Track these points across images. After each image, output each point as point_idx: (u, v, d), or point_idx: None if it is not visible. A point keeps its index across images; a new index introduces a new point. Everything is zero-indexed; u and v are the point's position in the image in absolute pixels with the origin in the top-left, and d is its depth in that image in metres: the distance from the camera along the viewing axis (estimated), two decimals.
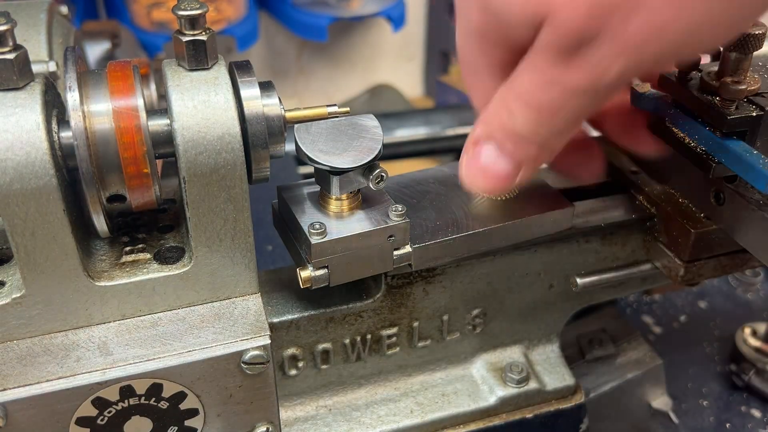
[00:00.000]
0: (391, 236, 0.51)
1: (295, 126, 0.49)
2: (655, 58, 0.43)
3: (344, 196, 0.51)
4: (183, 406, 0.49)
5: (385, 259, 0.52)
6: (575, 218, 0.59)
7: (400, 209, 0.51)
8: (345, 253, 0.50)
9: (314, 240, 0.48)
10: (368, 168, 0.50)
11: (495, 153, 0.48)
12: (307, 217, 0.51)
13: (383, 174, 0.50)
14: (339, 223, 0.50)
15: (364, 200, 0.52)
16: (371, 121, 0.51)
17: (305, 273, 0.50)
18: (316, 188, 0.52)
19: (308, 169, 1.18)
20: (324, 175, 0.50)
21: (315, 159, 0.48)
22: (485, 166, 0.48)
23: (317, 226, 0.49)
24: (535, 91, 0.45)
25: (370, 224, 0.50)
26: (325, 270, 0.50)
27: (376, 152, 0.49)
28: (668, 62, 0.45)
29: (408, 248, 0.52)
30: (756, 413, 0.81)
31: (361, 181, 0.50)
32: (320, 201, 0.52)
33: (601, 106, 0.47)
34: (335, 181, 0.50)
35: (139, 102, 0.44)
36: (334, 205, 0.51)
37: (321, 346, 0.57)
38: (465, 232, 0.53)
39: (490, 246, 0.55)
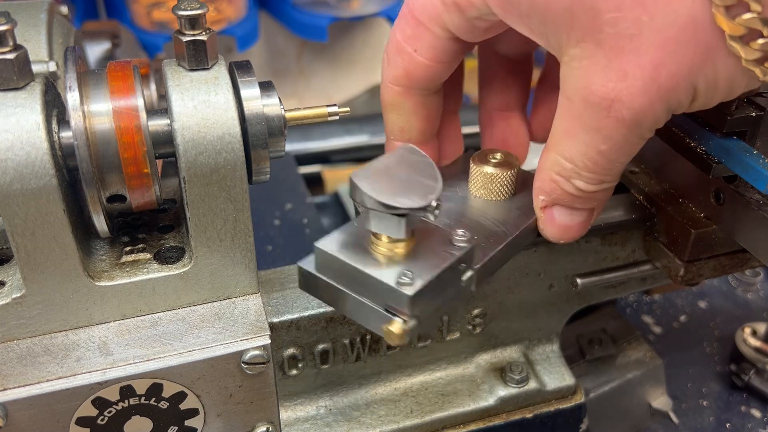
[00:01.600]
0: (463, 263, 0.47)
1: (352, 173, 0.44)
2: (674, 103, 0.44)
3: (402, 238, 0.46)
4: (183, 406, 0.49)
5: (456, 287, 0.47)
6: None
7: (461, 233, 0.47)
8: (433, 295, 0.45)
9: (408, 291, 0.43)
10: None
11: (567, 212, 0.52)
12: (377, 266, 0.45)
13: (439, 202, 0.44)
14: (413, 265, 0.45)
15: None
16: (418, 156, 0.47)
17: (397, 328, 0.44)
18: (351, 234, 0.48)
19: (308, 170, 1.18)
20: (384, 219, 0.45)
21: (389, 204, 0.43)
22: (563, 224, 0.52)
23: (408, 275, 0.44)
24: (589, 148, 0.46)
25: (444, 258, 0.46)
26: (417, 320, 0.44)
27: (439, 182, 0.45)
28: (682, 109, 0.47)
29: (470, 272, 0.48)
30: (756, 413, 0.81)
31: (422, 215, 0.44)
32: (372, 248, 0.46)
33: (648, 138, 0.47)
34: (403, 223, 0.44)
35: (139, 102, 0.44)
36: (399, 248, 0.46)
37: (321, 346, 0.57)
38: (505, 240, 0.51)
39: (519, 249, 0.55)
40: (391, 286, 0.44)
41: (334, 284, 0.47)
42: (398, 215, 0.44)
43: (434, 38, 0.50)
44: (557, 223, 0.52)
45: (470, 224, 0.54)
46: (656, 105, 0.43)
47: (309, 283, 0.48)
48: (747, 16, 0.38)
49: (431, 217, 0.44)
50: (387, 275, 0.44)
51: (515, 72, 0.61)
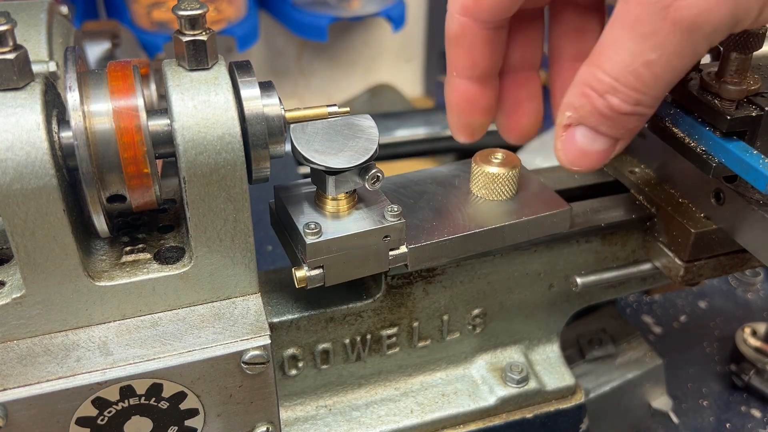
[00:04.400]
0: (386, 236, 0.51)
1: (291, 126, 0.49)
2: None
3: (340, 197, 0.51)
4: (183, 406, 0.49)
5: (380, 260, 0.52)
6: (575, 218, 0.59)
7: (395, 209, 0.51)
8: (340, 253, 0.50)
9: (309, 240, 0.49)
10: (364, 168, 0.50)
11: (591, 135, 0.48)
12: (304, 217, 0.51)
13: (379, 174, 0.50)
14: (335, 223, 0.51)
15: (360, 200, 0.52)
16: (367, 121, 0.51)
17: (300, 273, 0.50)
18: (313, 188, 0.52)
19: (308, 169, 1.18)
20: (320, 176, 0.50)
21: (310, 159, 0.48)
22: (583, 148, 0.48)
23: (312, 226, 0.49)
24: (635, 58, 0.43)
25: (366, 224, 0.50)
26: (321, 270, 0.50)
27: (371, 152, 0.49)
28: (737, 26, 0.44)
29: (404, 248, 0.52)
30: (756, 413, 0.81)
31: (357, 181, 0.50)
32: (316, 201, 0.52)
33: (700, 57, 0.45)
34: (331, 181, 0.50)
35: (139, 102, 0.44)
36: (330, 206, 0.51)
37: (321, 346, 0.57)
38: (462, 233, 0.53)
39: (486, 247, 0.55)
40: (299, 231, 0.49)
41: (281, 224, 0.53)
42: (326, 173, 0.49)
43: None
44: (577, 146, 0.48)
45: (439, 210, 0.55)
46: (722, 4, 0.40)
47: (273, 221, 0.55)
48: None
49: (364, 184, 0.49)
50: (302, 223, 0.49)
51: (588, 19, 0.58)
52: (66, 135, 0.43)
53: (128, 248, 0.50)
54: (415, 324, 0.59)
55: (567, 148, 0.49)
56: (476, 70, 0.55)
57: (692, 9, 0.40)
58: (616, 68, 0.44)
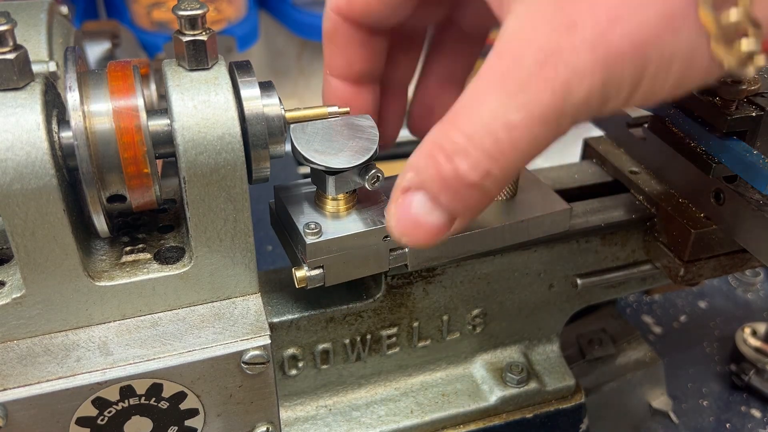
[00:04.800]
0: (386, 237, 0.51)
1: (291, 126, 0.49)
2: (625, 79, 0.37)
3: (340, 197, 0.51)
4: (183, 406, 0.49)
5: (380, 260, 0.52)
6: (575, 218, 0.59)
7: None
8: (340, 253, 0.50)
9: (309, 240, 0.49)
10: (364, 168, 0.50)
11: (429, 205, 0.41)
12: (304, 217, 0.51)
13: (379, 174, 0.50)
14: (335, 223, 0.51)
15: (360, 201, 0.52)
16: (367, 121, 0.51)
17: (300, 273, 0.50)
18: (313, 188, 0.52)
19: (308, 170, 1.18)
20: (320, 175, 0.50)
21: (310, 159, 0.48)
22: (417, 218, 0.41)
23: (312, 226, 0.49)
24: (496, 117, 0.38)
25: (366, 224, 0.50)
26: (321, 270, 0.50)
27: (372, 152, 0.49)
28: (643, 103, 0.40)
29: (404, 248, 0.52)
30: (756, 413, 0.81)
31: (357, 181, 0.50)
32: (316, 201, 0.52)
33: (561, 134, 0.39)
34: (331, 181, 0.50)
35: (139, 102, 0.44)
36: (330, 205, 0.51)
37: (321, 346, 0.57)
38: (461, 232, 0.53)
39: (485, 247, 0.55)
40: (299, 231, 0.49)
41: (281, 224, 0.53)
42: (326, 173, 0.49)
43: None
44: (411, 214, 0.41)
45: None
46: (596, 72, 0.35)
47: (273, 221, 0.55)
48: (735, 12, 0.34)
49: (364, 184, 0.49)
50: (302, 222, 0.50)
51: (466, 46, 0.57)
52: (66, 135, 0.43)
53: (128, 248, 0.50)
54: (415, 324, 0.59)
55: (400, 214, 0.42)
56: (351, 72, 0.53)
57: (567, 69, 0.36)
58: (473, 127, 0.38)
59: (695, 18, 0.34)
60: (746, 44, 0.35)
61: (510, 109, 0.37)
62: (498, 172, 0.39)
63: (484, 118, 0.38)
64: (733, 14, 0.34)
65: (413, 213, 0.41)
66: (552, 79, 0.36)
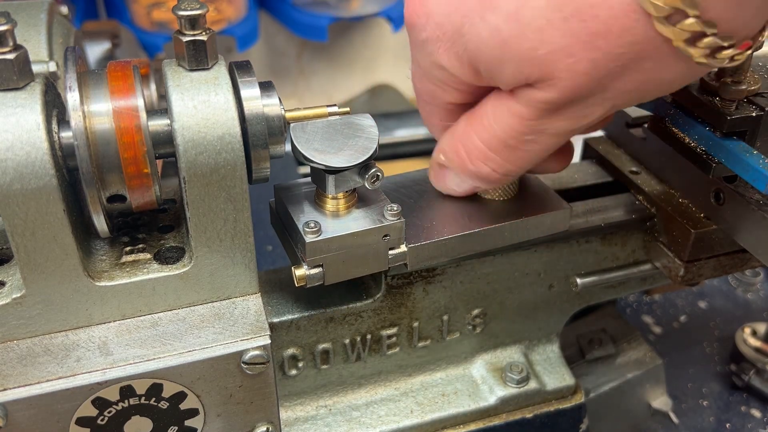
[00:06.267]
0: (386, 235, 0.51)
1: (291, 125, 0.49)
2: (629, 103, 0.46)
3: (340, 195, 0.51)
4: (183, 406, 0.49)
5: (380, 259, 0.52)
6: (575, 218, 0.59)
7: (395, 209, 0.51)
8: (340, 251, 0.50)
9: (309, 238, 0.49)
10: (364, 167, 0.50)
11: (458, 180, 0.54)
12: (303, 215, 0.51)
13: (379, 173, 0.50)
14: (334, 222, 0.51)
15: (360, 200, 0.52)
16: (367, 121, 0.51)
17: (300, 271, 0.50)
18: (313, 187, 0.52)
19: (308, 169, 1.18)
20: (320, 174, 0.50)
21: (310, 158, 0.48)
22: (450, 187, 0.55)
23: (312, 225, 0.49)
24: (511, 134, 0.47)
25: (365, 223, 0.50)
26: (320, 269, 0.50)
27: (371, 151, 0.50)
28: (635, 103, 0.49)
29: (403, 248, 0.52)
30: (756, 413, 0.81)
31: (357, 180, 0.50)
32: (316, 200, 0.52)
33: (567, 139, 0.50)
34: (331, 180, 0.50)
35: (139, 102, 0.44)
36: (330, 204, 0.51)
37: (321, 346, 0.57)
38: (461, 232, 0.53)
39: (485, 247, 0.55)
40: (299, 230, 0.49)
41: (281, 223, 0.54)
42: (326, 172, 0.49)
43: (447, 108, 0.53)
44: (447, 183, 0.55)
45: (439, 210, 0.55)
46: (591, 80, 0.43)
47: (273, 220, 0.56)
48: (689, 21, 0.39)
49: (364, 183, 0.50)
50: (302, 221, 0.50)
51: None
52: (66, 135, 0.43)
53: (128, 248, 0.50)
54: (415, 324, 0.59)
55: (438, 182, 0.56)
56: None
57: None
58: (488, 136, 0.48)
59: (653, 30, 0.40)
60: (706, 42, 0.40)
61: (538, 130, 0.47)
62: (517, 169, 0.50)
63: (499, 134, 0.47)
64: (688, 23, 0.39)
65: (448, 183, 0.55)
66: (571, 117, 0.45)
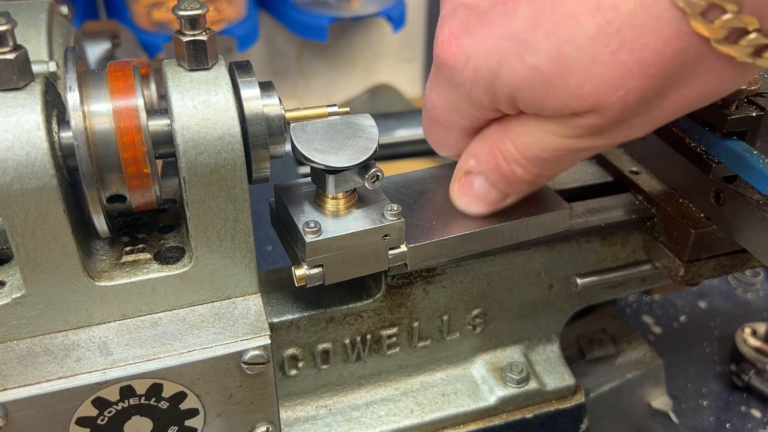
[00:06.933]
0: (386, 235, 0.51)
1: (291, 125, 0.49)
2: (674, 117, 0.44)
3: (340, 195, 0.51)
4: (183, 406, 0.49)
5: (380, 259, 0.52)
6: (575, 218, 0.59)
7: (395, 209, 0.51)
8: (340, 252, 0.50)
9: (309, 238, 0.49)
10: (364, 167, 0.50)
11: (486, 186, 0.52)
12: (303, 215, 0.51)
13: (379, 173, 0.50)
14: (334, 222, 0.51)
15: (360, 200, 0.52)
16: (367, 121, 0.51)
17: (300, 271, 0.50)
18: (313, 187, 0.52)
19: (308, 169, 1.19)
20: (320, 174, 0.50)
21: (310, 158, 0.48)
22: (477, 195, 0.53)
23: (312, 225, 0.49)
24: (547, 151, 0.46)
25: (365, 223, 0.50)
26: (320, 269, 0.50)
27: (371, 151, 0.50)
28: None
29: (403, 248, 0.52)
30: (756, 413, 0.81)
31: (357, 180, 0.50)
32: (316, 200, 0.52)
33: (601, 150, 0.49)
34: (331, 180, 0.50)
35: (140, 102, 0.44)
36: (330, 204, 0.51)
37: (321, 346, 0.57)
38: (461, 232, 0.53)
39: (486, 247, 0.55)
40: (299, 230, 0.49)
41: (281, 223, 0.53)
42: (326, 172, 0.49)
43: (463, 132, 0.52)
44: (474, 193, 0.53)
45: (439, 210, 0.55)
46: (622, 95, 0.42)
47: (273, 220, 0.55)
48: (726, 17, 0.37)
49: (364, 183, 0.50)
50: (302, 221, 0.50)
51: None
52: (66, 135, 0.43)
53: (128, 248, 0.50)
54: (415, 324, 0.59)
55: (463, 192, 0.53)
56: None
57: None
58: (523, 147, 0.47)
59: (690, 29, 0.38)
60: (749, 39, 0.38)
61: (550, 140, 0.46)
62: (548, 174, 0.50)
63: (530, 143, 0.47)
64: (726, 19, 0.37)
65: (475, 191, 0.53)
66: (613, 138, 0.45)
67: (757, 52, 0.39)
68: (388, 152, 1.21)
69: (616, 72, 0.40)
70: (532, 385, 0.62)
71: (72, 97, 0.43)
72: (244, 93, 0.46)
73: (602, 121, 0.43)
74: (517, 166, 0.49)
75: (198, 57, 0.45)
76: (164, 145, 0.45)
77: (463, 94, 0.47)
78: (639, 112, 0.42)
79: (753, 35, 0.38)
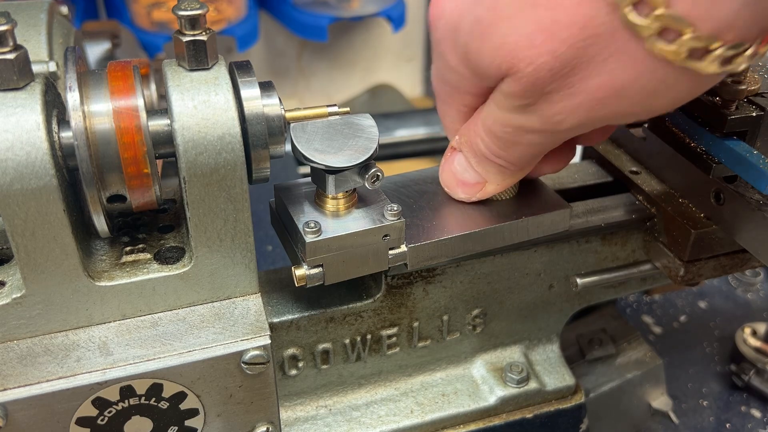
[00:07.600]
0: (386, 236, 0.51)
1: (291, 125, 0.49)
2: (610, 115, 0.44)
3: (340, 195, 0.51)
4: (183, 406, 0.49)
5: (380, 259, 0.52)
6: (575, 218, 0.59)
7: (395, 209, 0.51)
8: (340, 252, 0.50)
9: (309, 238, 0.49)
10: (364, 167, 0.50)
11: (465, 164, 0.53)
12: (304, 215, 0.51)
13: (379, 173, 0.50)
14: (334, 222, 0.51)
15: (360, 200, 0.52)
16: (367, 121, 0.51)
17: (300, 271, 0.50)
18: (313, 187, 0.52)
19: (308, 169, 1.19)
20: (320, 174, 0.50)
21: (310, 158, 0.48)
22: (455, 171, 0.54)
23: (312, 225, 0.49)
24: (496, 125, 0.48)
25: (365, 223, 0.50)
26: (320, 269, 0.50)
27: (371, 151, 0.50)
28: (624, 120, 0.47)
29: (403, 248, 0.52)
30: (756, 413, 0.81)
31: (357, 180, 0.50)
32: (316, 200, 0.52)
33: (559, 143, 0.49)
34: (331, 180, 0.50)
35: (140, 102, 0.44)
36: (330, 204, 0.51)
37: (321, 346, 0.57)
38: (461, 232, 0.53)
39: (485, 247, 0.55)
40: (299, 230, 0.49)
41: (281, 223, 0.54)
42: (326, 172, 0.49)
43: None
44: (453, 169, 0.54)
45: (439, 210, 0.55)
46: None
47: (273, 220, 0.55)
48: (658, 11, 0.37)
49: (364, 183, 0.50)
50: (302, 221, 0.50)
51: None
52: (66, 135, 0.43)
53: (128, 248, 0.50)
54: (415, 324, 0.59)
55: (444, 167, 0.55)
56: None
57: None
58: (483, 120, 0.49)
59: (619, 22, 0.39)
60: (684, 41, 0.38)
61: (511, 123, 0.47)
62: (506, 156, 0.50)
63: (488, 121, 0.48)
64: (657, 14, 0.37)
65: (454, 168, 0.54)
66: (541, 117, 0.45)
67: (694, 54, 0.38)
68: (388, 152, 1.21)
69: (532, 27, 0.41)
70: (532, 385, 0.62)
71: (72, 97, 0.43)
72: (244, 93, 0.46)
73: (518, 87, 0.43)
74: (480, 140, 0.50)
75: (198, 57, 0.45)
76: (164, 145, 0.45)
77: (440, 57, 0.48)
78: (554, 84, 0.42)
79: (687, 36, 0.38)
